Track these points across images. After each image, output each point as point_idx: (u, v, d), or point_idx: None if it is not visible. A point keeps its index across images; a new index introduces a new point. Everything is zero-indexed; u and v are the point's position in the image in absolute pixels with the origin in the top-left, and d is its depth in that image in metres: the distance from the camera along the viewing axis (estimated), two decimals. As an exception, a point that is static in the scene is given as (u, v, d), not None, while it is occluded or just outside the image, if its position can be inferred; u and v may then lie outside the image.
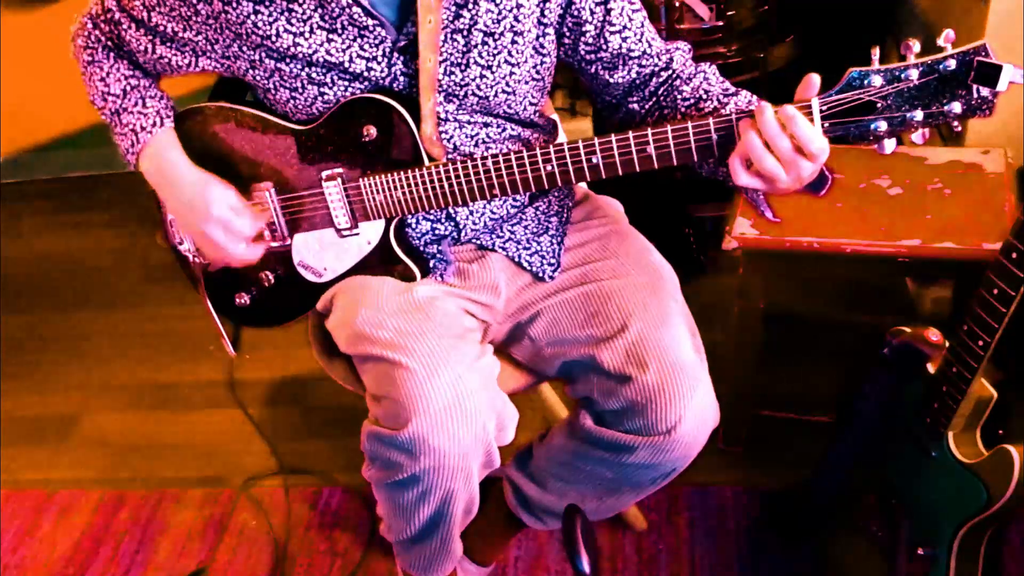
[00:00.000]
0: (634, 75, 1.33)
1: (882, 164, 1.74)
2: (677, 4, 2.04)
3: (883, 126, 1.06)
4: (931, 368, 1.33)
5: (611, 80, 1.34)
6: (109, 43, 1.41)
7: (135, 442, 2.24)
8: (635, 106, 1.34)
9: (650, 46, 1.32)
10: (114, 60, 1.41)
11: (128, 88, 1.40)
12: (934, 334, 1.34)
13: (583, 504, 1.29)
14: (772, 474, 1.85)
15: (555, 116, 1.59)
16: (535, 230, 1.44)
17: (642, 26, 1.32)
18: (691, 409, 1.27)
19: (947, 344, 1.30)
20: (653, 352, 1.28)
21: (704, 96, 1.28)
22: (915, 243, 1.56)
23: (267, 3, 1.25)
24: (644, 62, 1.32)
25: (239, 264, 1.41)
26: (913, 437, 1.37)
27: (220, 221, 1.35)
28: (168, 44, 1.35)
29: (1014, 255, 1.14)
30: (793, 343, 2.06)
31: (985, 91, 1.02)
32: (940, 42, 1.02)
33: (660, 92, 1.33)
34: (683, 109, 1.29)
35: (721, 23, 2.06)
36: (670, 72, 1.32)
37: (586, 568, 1.08)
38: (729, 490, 1.86)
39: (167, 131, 1.40)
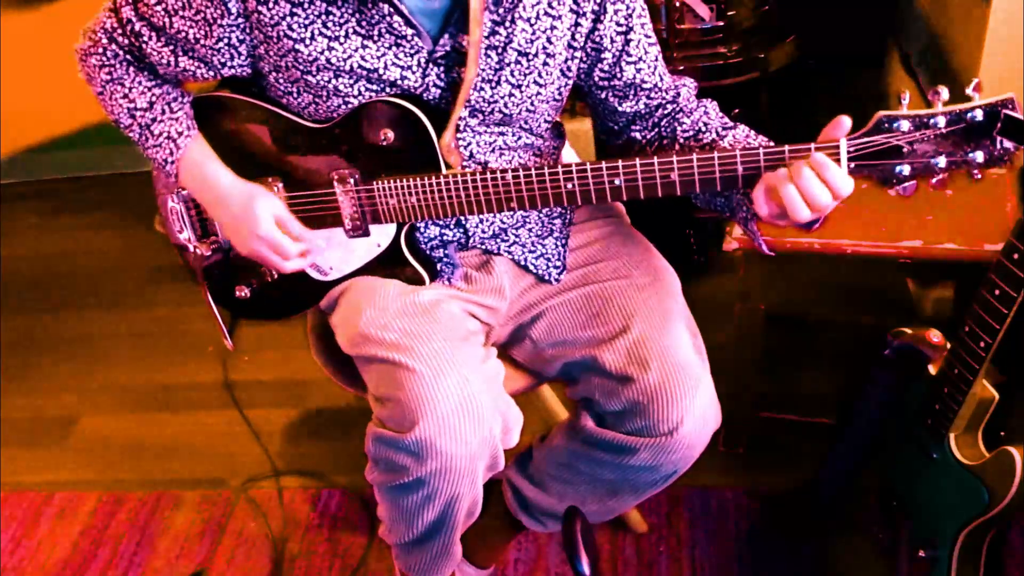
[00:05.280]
0: (642, 106, 1.34)
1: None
2: (677, 4, 2.03)
3: (906, 170, 1.07)
4: (932, 369, 1.33)
5: (619, 108, 1.35)
6: (128, 56, 1.36)
7: (133, 443, 2.24)
8: (637, 135, 1.36)
9: (661, 80, 1.34)
10: (135, 73, 1.36)
11: (153, 99, 1.36)
12: (935, 335, 1.33)
13: (583, 506, 1.28)
14: (773, 476, 1.85)
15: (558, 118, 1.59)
16: (539, 233, 1.44)
17: (656, 60, 1.33)
18: (693, 410, 1.26)
19: (948, 345, 1.29)
20: (654, 353, 1.28)
21: (703, 128, 1.30)
22: (916, 244, 1.56)
23: (305, 5, 1.22)
24: (653, 94, 1.34)
25: (291, 271, 1.39)
26: (914, 439, 1.36)
27: (266, 240, 1.32)
28: (190, 55, 1.31)
29: (1015, 256, 1.13)
30: (794, 344, 2.06)
31: (1009, 143, 1.03)
32: (968, 91, 1.03)
33: (662, 123, 1.35)
34: (682, 140, 1.31)
35: (722, 23, 2.06)
36: (675, 105, 1.34)
37: (586, 570, 1.08)
38: (730, 492, 1.86)
39: (198, 138, 1.37)
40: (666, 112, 1.34)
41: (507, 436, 1.32)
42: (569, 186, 1.21)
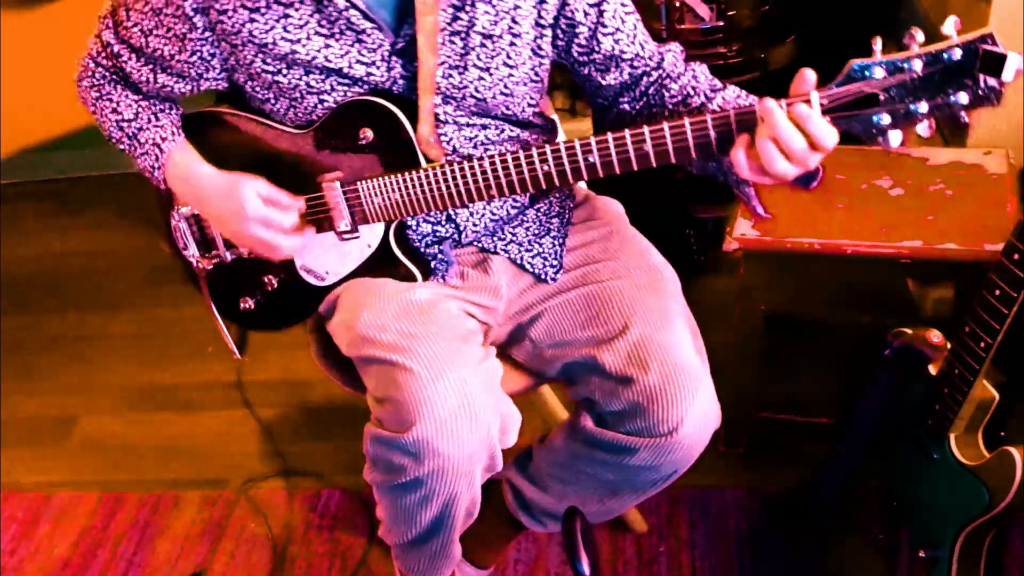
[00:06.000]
0: (626, 76, 1.33)
1: (883, 164, 1.74)
2: (678, 4, 2.03)
3: (886, 119, 1.03)
4: (932, 370, 1.32)
5: (603, 82, 1.33)
6: (114, 77, 1.41)
7: (134, 444, 2.24)
8: (626, 106, 1.35)
9: (643, 48, 1.32)
10: (121, 90, 1.41)
11: (139, 110, 1.40)
12: (935, 335, 1.33)
13: (583, 506, 1.28)
14: (773, 476, 1.85)
15: (555, 116, 1.59)
16: (537, 232, 1.44)
17: (635, 28, 1.32)
18: (693, 410, 1.26)
19: (948, 346, 1.29)
20: (654, 353, 1.28)
21: (691, 93, 1.28)
22: (916, 244, 1.55)
23: (263, 11, 1.24)
24: (636, 63, 1.32)
25: (290, 255, 1.38)
26: (914, 439, 1.36)
27: (258, 219, 1.31)
28: (167, 72, 1.35)
29: (1016, 256, 1.13)
30: (794, 344, 2.05)
31: (993, 81, 0.98)
32: (945, 30, 0.98)
33: (650, 92, 1.33)
34: (671, 106, 1.30)
35: (722, 23, 2.06)
36: (660, 72, 1.32)
37: (586, 570, 1.07)
38: (730, 492, 1.85)
39: (182, 143, 1.39)
40: (652, 80, 1.33)
41: (505, 436, 1.32)
42: (545, 168, 1.21)
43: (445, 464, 1.25)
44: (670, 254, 1.45)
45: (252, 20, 1.25)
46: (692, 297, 1.41)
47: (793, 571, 1.70)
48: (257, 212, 1.31)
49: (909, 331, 1.36)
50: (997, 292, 1.16)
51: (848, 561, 1.55)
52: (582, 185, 1.60)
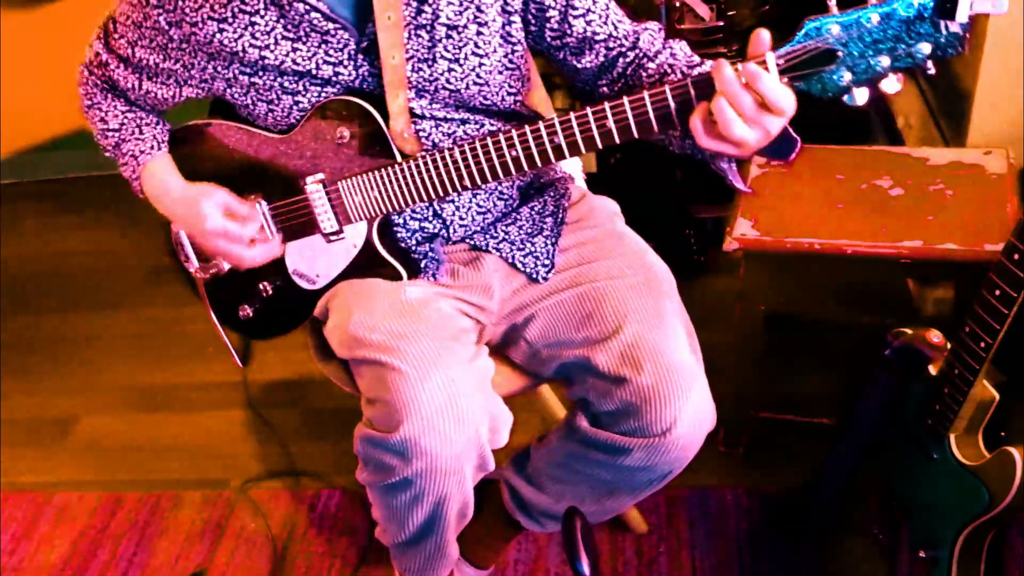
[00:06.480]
0: (602, 59, 1.32)
1: (883, 164, 1.74)
2: (677, 4, 2.03)
3: (847, 76, 1.00)
4: (933, 370, 1.32)
5: (579, 65, 1.33)
6: (104, 85, 1.46)
7: (133, 444, 2.24)
8: (605, 89, 1.34)
9: (616, 28, 1.31)
10: (111, 99, 1.46)
11: (125, 121, 1.46)
12: (935, 336, 1.33)
13: (581, 506, 1.28)
14: (773, 476, 1.85)
15: (554, 116, 1.58)
16: (529, 231, 1.44)
17: (607, 8, 1.30)
18: (687, 410, 1.26)
19: (949, 346, 1.29)
20: (648, 353, 1.27)
21: (668, 71, 1.27)
22: (916, 244, 1.55)
23: (230, 21, 1.26)
24: (611, 44, 1.31)
25: (257, 264, 1.41)
26: (914, 439, 1.36)
27: (217, 232, 1.37)
28: (153, 79, 1.39)
29: (1016, 256, 1.13)
30: (794, 344, 2.05)
31: (954, 27, 0.94)
32: None
33: (628, 73, 1.31)
34: (648, 86, 1.28)
35: (722, 23, 2.06)
36: (636, 52, 1.31)
37: (586, 570, 1.07)
38: (730, 492, 1.85)
39: (163, 155, 1.44)
40: (628, 60, 1.31)
41: (495, 436, 1.32)
42: (513, 152, 1.21)
43: (433, 463, 1.25)
44: (670, 254, 1.45)
45: (221, 30, 1.27)
46: (692, 297, 1.41)
47: (793, 571, 1.70)
48: (215, 226, 1.36)
49: (909, 331, 1.36)
50: (997, 292, 1.16)
51: (848, 561, 1.55)
52: (581, 185, 1.60)
